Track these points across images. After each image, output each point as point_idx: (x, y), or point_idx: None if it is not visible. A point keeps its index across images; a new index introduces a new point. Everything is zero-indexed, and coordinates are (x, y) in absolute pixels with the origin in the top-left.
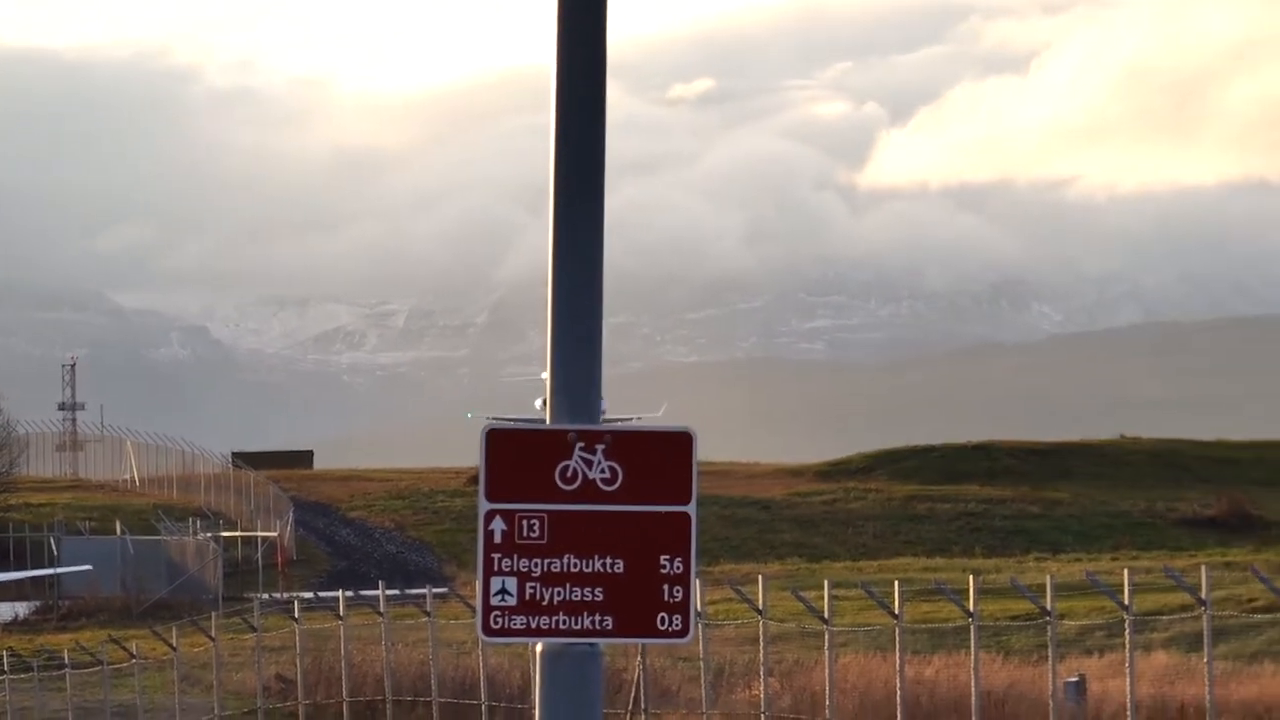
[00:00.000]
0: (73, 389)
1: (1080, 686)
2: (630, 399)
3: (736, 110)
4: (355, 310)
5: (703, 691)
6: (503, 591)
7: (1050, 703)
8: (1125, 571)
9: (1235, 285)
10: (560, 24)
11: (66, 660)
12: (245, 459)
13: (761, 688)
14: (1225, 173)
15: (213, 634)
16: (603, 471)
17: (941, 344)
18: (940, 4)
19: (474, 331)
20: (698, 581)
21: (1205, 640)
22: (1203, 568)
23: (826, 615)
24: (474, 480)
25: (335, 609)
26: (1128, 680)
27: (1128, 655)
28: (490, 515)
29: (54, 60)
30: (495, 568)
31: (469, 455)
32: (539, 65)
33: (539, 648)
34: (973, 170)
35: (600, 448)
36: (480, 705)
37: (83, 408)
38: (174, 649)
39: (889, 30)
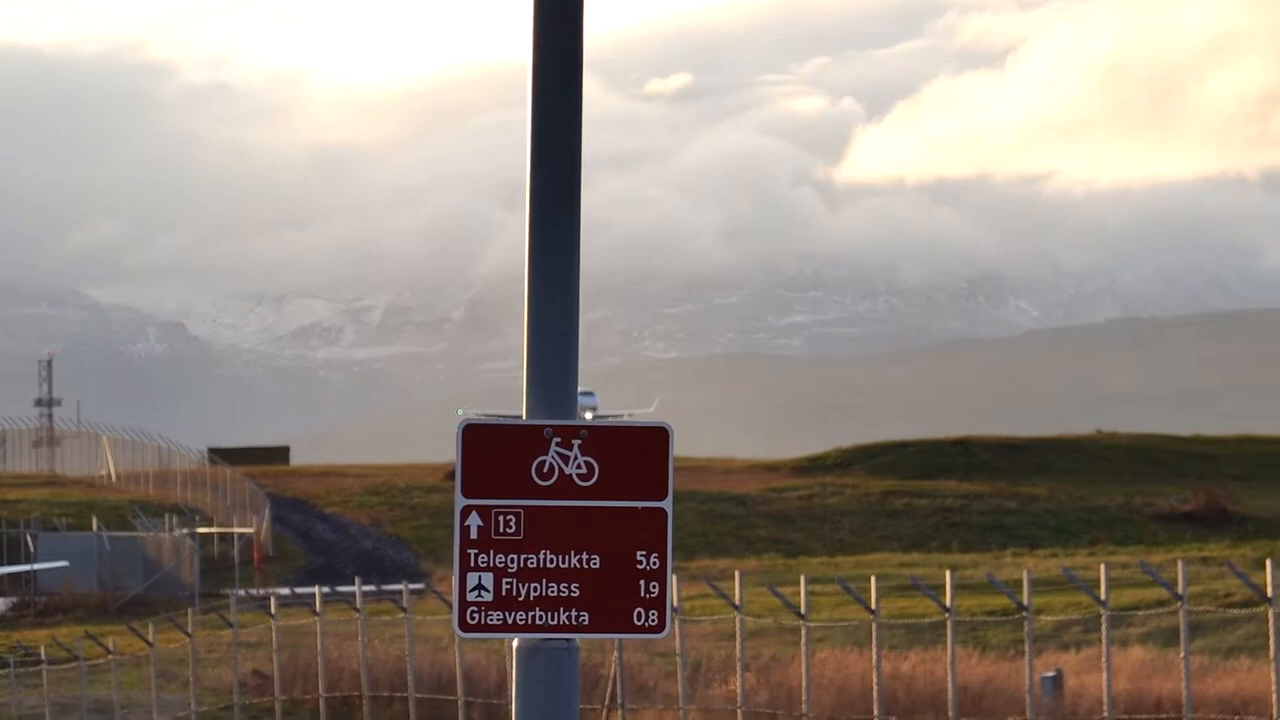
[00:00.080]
0: (49, 385)
1: (1057, 681)
2: (607, 394)
3: (713, 106)
4: (332, 306)
5: (679, 687)
6: (479, 587)
7: (1027, 698)
8: (1102, 567)
9: (1212, 280)
10: (536, 19)
11: (43, 656)
12: (222, 455)
13: (738, 683)
14: (1202, 168)
15: (189, 630)
16: (579, 467)
17: (918, 339)
18: None
19: (450, 327)
20: (674, 577)
21: (1182, 635)
22: (1179, 563)
23: (803, 610)
24: (450, 476)
25: (312, 605)
26: (1104, 675)
27: (1104, 650)
28: (466, 511)
29: (30, 56)
30: (471, 563)
31: (445, 451)
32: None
33: (515, 643)
34: (949, 165)
35: (577, 443)
36: (457, 701)
37: (59, 404)
38: (151, 645)
39: (866, 25)
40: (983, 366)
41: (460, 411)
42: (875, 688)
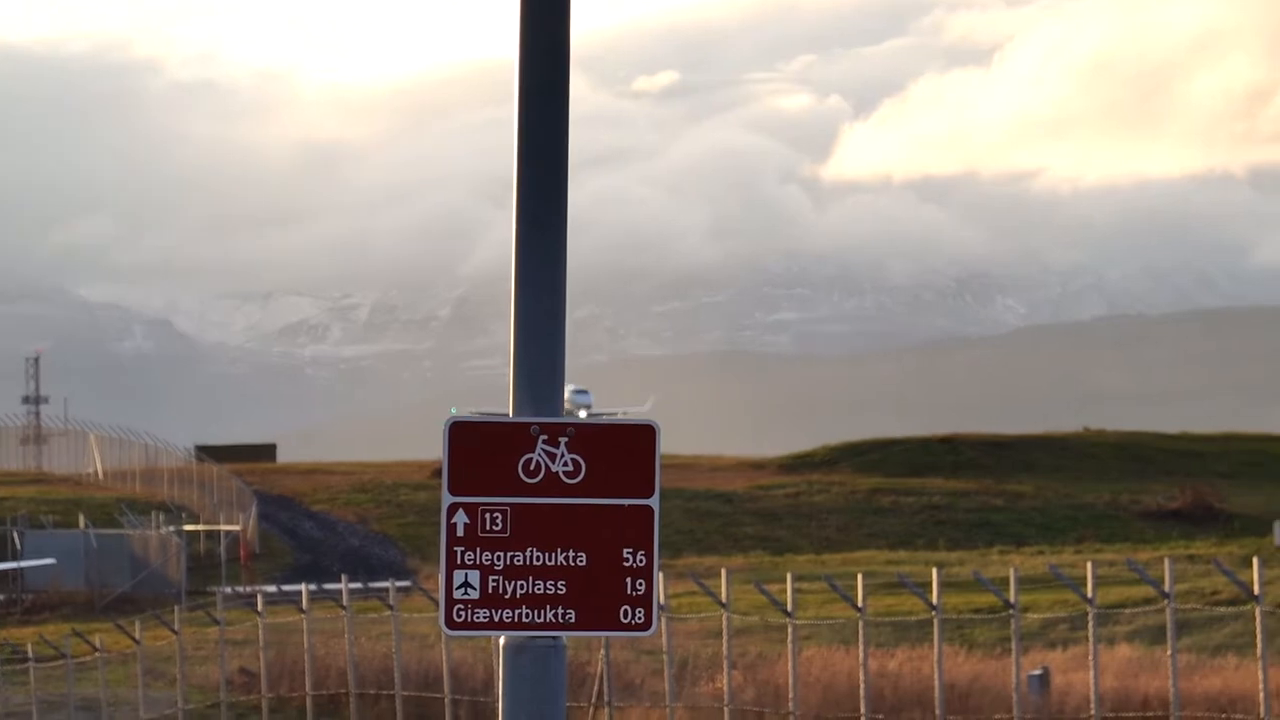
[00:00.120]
0: (36, 382)
1: (1044, 679)
2: (595, 392)
3: (700, 103)
4: (319, 303)
5: (666, 684)
6: (465, 585)
7: (1014, 695)
8: (1089, 564)
9: (1199, 278)
10: (523, 16)
11: (30, 654)
12: (208, 452)
13: (725, 681)
14: (1189, 165)
15: (176, 627)
16: (566, 464)
17: (905, 337)
18: None
19: (437, 325)
20: (661, 575)
21: (1169, 633)
22: (1166, 561)
23: (790, 608)
24: (437, 473)
25: (298, 602)
26: (1091, 673)
27: (1091, 648)
28: (453, 508)
29: (15, 54)
30: (458, 561)
31: (432, 448)
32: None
33: (502, 641)
34: (937, 163)
35: (563, 440)
36: (444, 698)
37: (46, 401)
38: (137, 642)
39: (852, 23)
40: (970, 364)
41: (454, 410)
42: (862, 685)
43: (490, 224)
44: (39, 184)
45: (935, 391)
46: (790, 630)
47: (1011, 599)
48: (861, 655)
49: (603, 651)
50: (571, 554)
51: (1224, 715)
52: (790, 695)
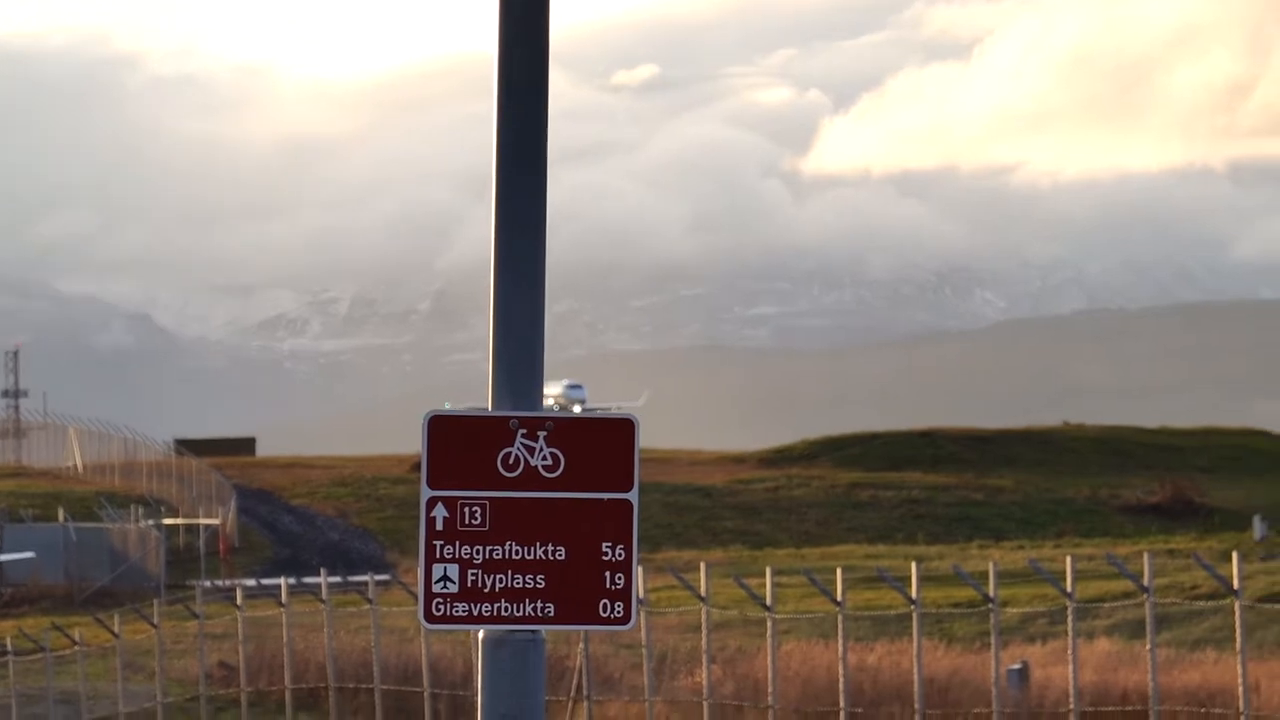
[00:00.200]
0: (15, 376)
1: (1023, 674)
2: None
3: (680, 97)
4: (298, 297)
5: (645, 679)
6: (445, 579)
7: (993, 690)
8: (1068, 559)
9: (1179, 271)
10: (502, 10)
11: (9, 647)
12: (188, 446)
13: (704, 675)
14: (1169, 159)
15: (155, 621)
16: (544, 458)
17: (885, 331)
18: None
19: (417, 319)
20: (640, 568)
21: (1148, 627)
22: (1145, 555)
23: (769, 602)
24: (416, 467)
25: (278, 596)
26: (1070, 667)
27: (1070, 642)
28: (432, 502)
29: None
30: (437, 555)
31: (412, 442)
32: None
33: (481, 635)
34: (916, 157)
35: (542, 434)
36: (423, 692)
37: (26, 395)
38: (117, 636)
39: (832, 17)
40: (950, 358)
41: (447, 405)
42: (841, 679)
43: (470, 218)
44: (18, 178)
45: (915, 385)
46: (769, 624)
47: (991, 593)
48: (841, 649)
49: (582, 645)
50: (550, 548)
51: (1203, 709)
52: (769, 689)
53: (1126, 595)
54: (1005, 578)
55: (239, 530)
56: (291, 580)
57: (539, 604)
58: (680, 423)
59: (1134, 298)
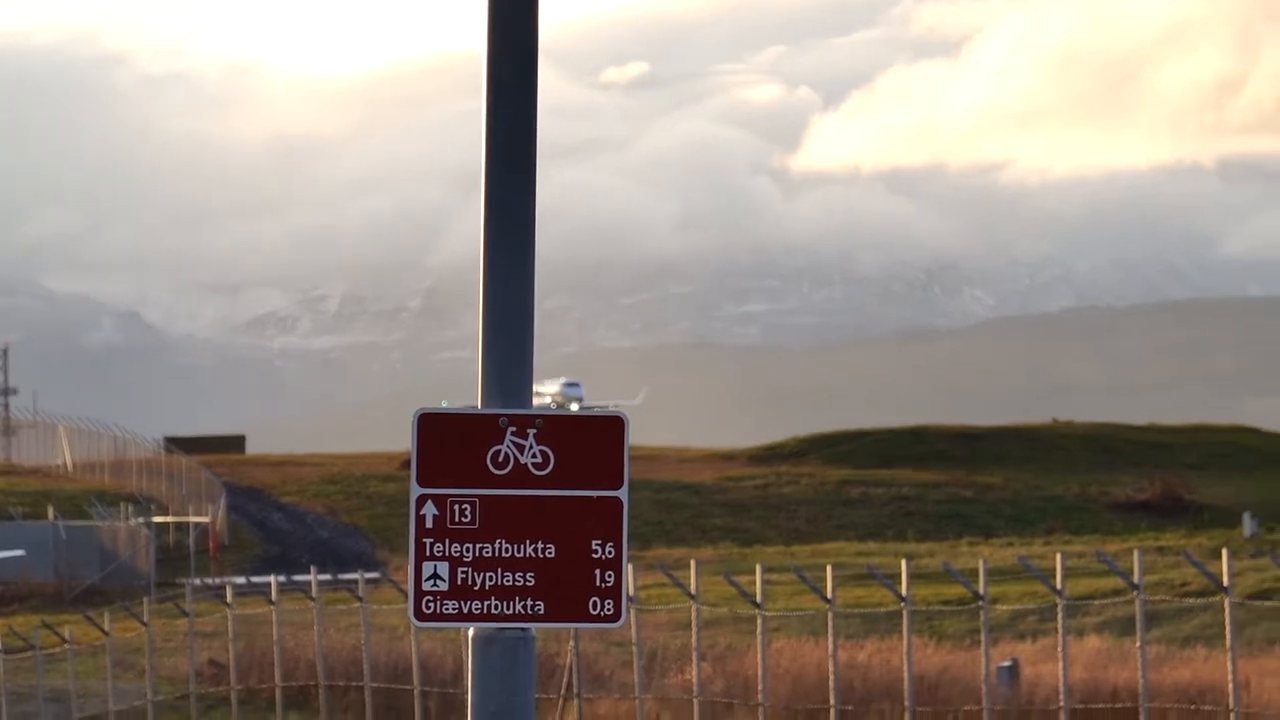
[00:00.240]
0: (5, 374)
1: (1013, 671)
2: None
3: (669, 94)
4: (288, 295)
5: (635, 676)
6: (434, 576)
7: (983, 687)
8: (1058, 556)
9: (1168, 269)
10: (491, 8)
11: None
12: (178, 444)
13: (694, 672)
14: (1158, 157)
15: (145, 619)
16: (534, 456)
17: (874, 328)
18: None
19: (407, 316)
20: (630, 566)
21: (1138, 624)
22: (1135, 552)
23: (759, 600)
24: (406, 465)
25: (268, 594)
26: (1060, 664)
27: (1060, 639)
28: (422, 500)
29: None
30: (427, 553)
31: (402, 440)
32: (472, 50)
33: (471, 633)
34: (905, 155)
35: (532, 432)
36: (413, 690)
37: (15, 393)
38: (107, 634)
39: (821, 14)
40: (939, 356)
41: (444, 403)
42: (831, 677)
43: (460, 216)
44: (8, 176)
45: (904, 383)
46: (759, 622)
47: (981, 590)
48: (831, 647)
49: (572, 643)
50: (540, 546)
51: (1193, 706)
52: (759, 687)
53: (1116, 592)
54: (995, 575)
55: (229, 528)
56: (281, 578)
57: (529, 602)
58: (670, 420)
59: (1123, 295)
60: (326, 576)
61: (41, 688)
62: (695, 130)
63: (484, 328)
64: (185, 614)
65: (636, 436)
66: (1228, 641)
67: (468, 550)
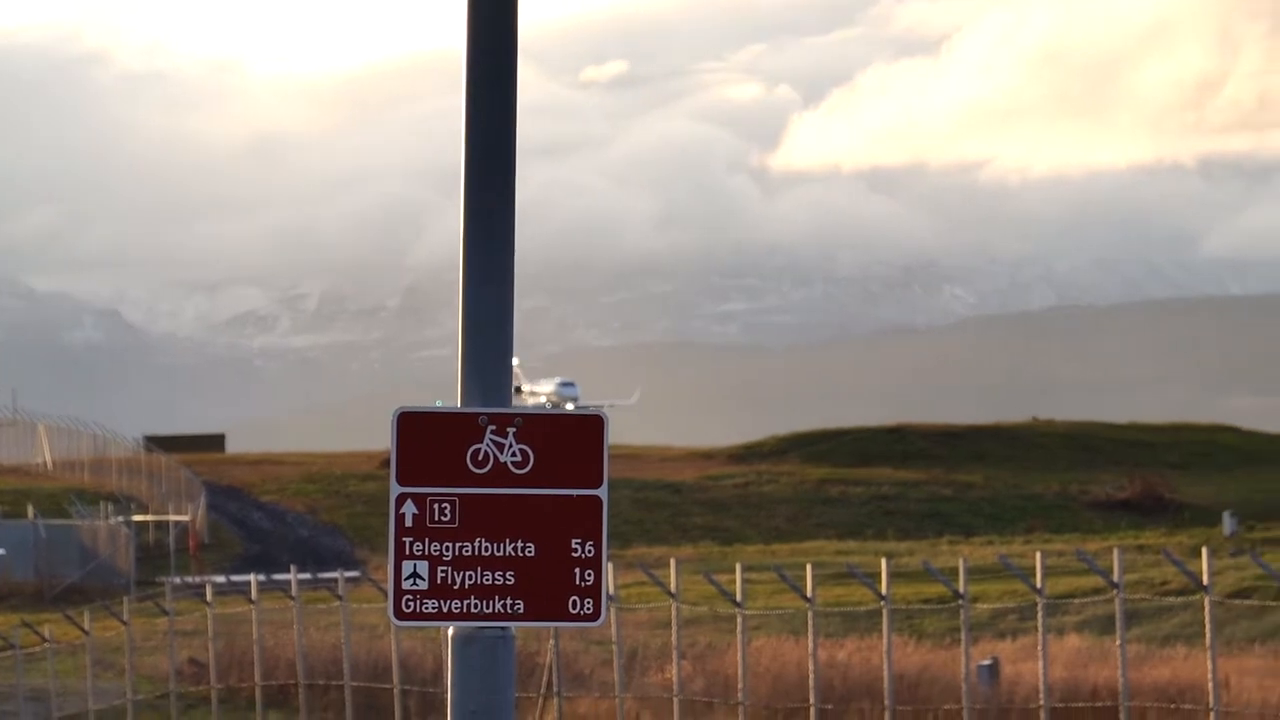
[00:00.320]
0: None
1: (993, 669)
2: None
3: (649, 93)
4: (267, 294)
5: (616, 675)
6: (414, 575)
7: (963, 686)
8: (1038, 555)
9: (1148, 268)
10: (471, 6)
11: None
12: (157, 442)
13: (674, 671)
14: (1138, 155)
15: (125, 618)
16: (514, 455)
17: (854, 327)
18: None
19: (386, 315)
20: (610, 565)
21: (1118, 623)
22: (1115, 551)
23: (739, 598)
24: (386, 463)
25: (247, 593)
26: (1040, 663)
27: (1040, 638)
28: (401, 499)
29: None
30: (407, 551)
31: (381, 438)
32: (452, 49)
33: (450, 631)
34: (885, 153)
35: (511, 431)
36: (393, 689)
37: None
38: (86, 633)
39: (801, 12)
40: (918, 354)
41: (439, 403)
42: (811, 676)
43: (439, 214)
44: None
45: (884, 381)
46: (739, 620)
47: (961, 589)
48: (811, 645)
49: (552, 642)
50: (520, 544)
51: (1173, 705)
52: (739, 685)
53: (1096, 591)
54: (975, 574)
55: (209, 527)
56: (261, 577)
57: (508, 600)
58: (650, 419)
59: (1103, 294)
60: (306, 575)
61: (21, 687)
62: (675, 129)
63: (463, 327)
64: (165, 613)
65: (616, 435)
66: (1207, 640)
67: (447, 549)
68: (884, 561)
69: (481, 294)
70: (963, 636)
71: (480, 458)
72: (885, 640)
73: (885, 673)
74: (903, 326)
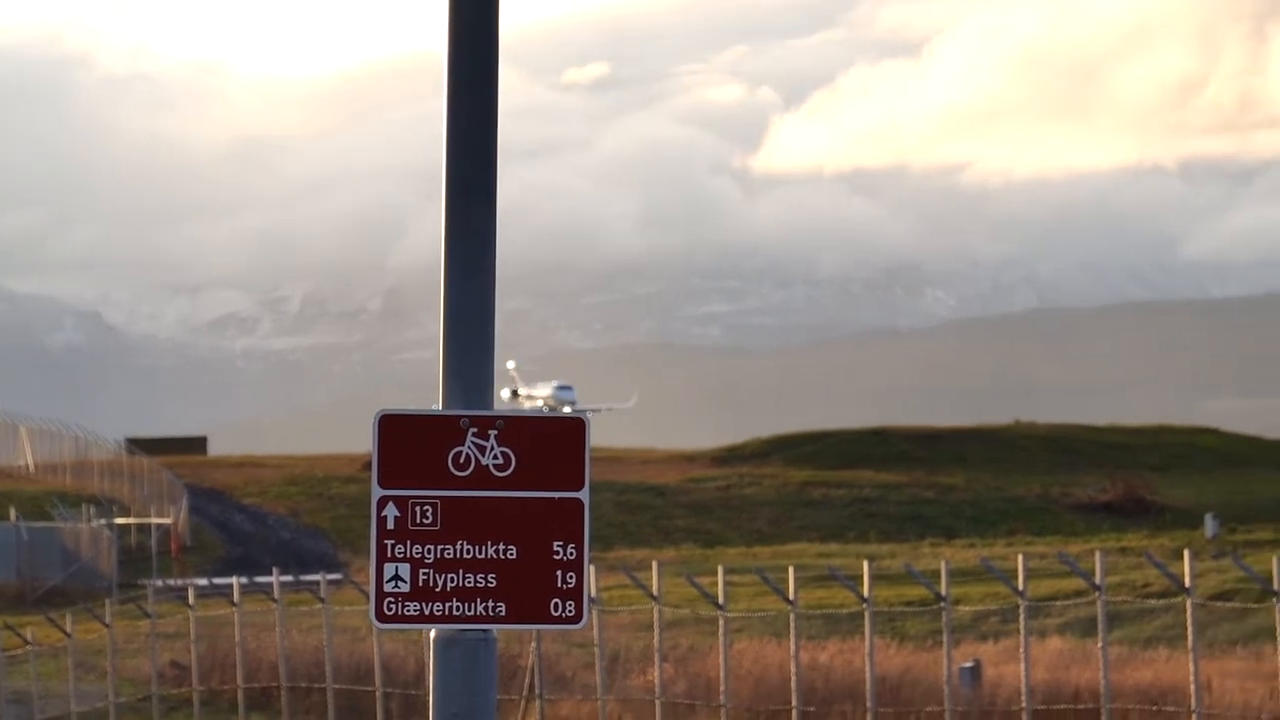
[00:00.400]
0: None
1: (975, 672)
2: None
3: (631, 95)
4: (249, 296)
5: (598, 677)
6: (396, 578)
7: (945, 688)
8: (1020, 557)
9: (1130, 271)
10: (452, 8)
11: None
12: (139, 445)
13: (656, 673)
14: (1120, 158)
15: (107, 620)
16: (495, 457)
17: (836, 330)
18: None
19: (368, 317)
20: (591, 567)
21: (1100, 625)
22: (1097, 553)
23: (721, 601)
24: (368, 466)
25: (230, 595)
26: (1022, 665)
27: (1022, 640)
28: (383, 501)
29: None
30: (388, 554)
31: (363, 441)
32: (434, 51)
33: (432, 634)
34: (867, 155)
35: (493, 433)
36: (375, 691)
37: None
38: (69, 635)
39: (783, 14)
40: (900, 357)
41: (436, 407)
42: (793, 678)
43: (421, 217)
44: None
45: (866, 384)
46: (722, 623)
47: (943, 592)
48: (793, 648)
49: (534, 644)
50: (502, 547)
51: (1155, 707)
52: (722, 688)
53: (1078, 593)
54: (957, 576)
55: (191, 529)
56: (243, 579)
57: (490, 603)
58: (632, 421)
59: (1085, 297)
60: (288, 578)
61: (3, 689)
62: (656, 131)
63: (445, 329)
64: (147, 615)
65: (598, 437)
66: (1189, 642)
67: (429, 552)
68: (866, 564)
69: (463, 296)
70: (944, 639)
71: (462, 460)
72: (867, 642)
73: (867, 675)
74: (884, 329)
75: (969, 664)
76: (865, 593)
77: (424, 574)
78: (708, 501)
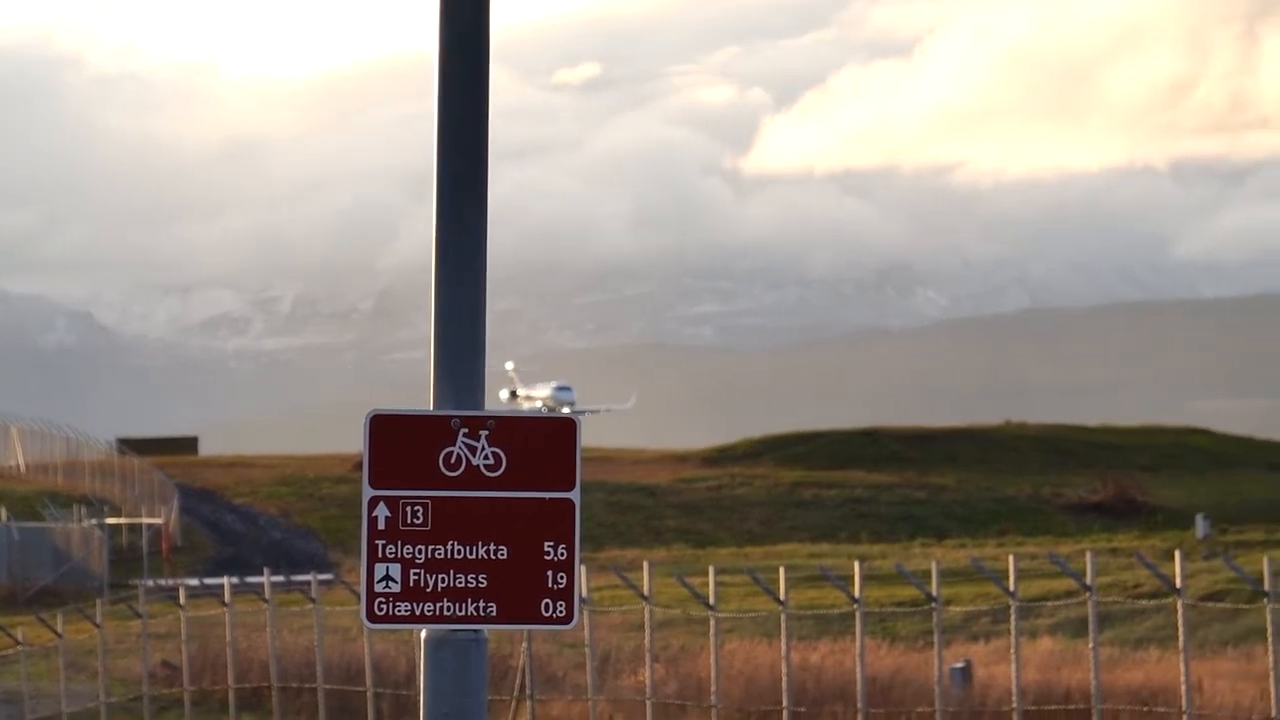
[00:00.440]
0: None
1: (966, 672)
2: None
3: (622, 95)
4: (240, 296)
5: (589, 678)
6: (387, 578)
7: (936, 689)
8: (1011, 558)
9: (1121, 271)
10: (443, 8)
11: None
12: (130, 445)
13: (647, 674)
14: (1111, 158)
15: (98, 621)
16: (486, 458)
17: (827, 330)
18: None
19: (359, 318)
20: (583, 568)
21: (1091, 626)
22: (1088, 554)
23: (712, 601)
24: (359, 466)
25: (221, 596)
26: (1013, 666)
27: (1013, 641)
28: (374, 501)
29: None
30: (379, 554)
31: (354, 441)
32: (425, 52)
33: (423, 634)
34: (858, 156)
35: (484, 434)
36: (366, 692)
37: None
38: (60, 636)
39: (774, 15)
40: (892, 357)
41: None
42: (784, 678)
43: (412, 217)
44: None
45: (857, 384)
46: (713, 623)
47: (934, 592)
48: (784, 648)
49: (525, 644)
50: (493, 547)
51: (1146, 708)
52: (712, 688)
53: (1069, 594)
54: (948, 577)
55: (182, 530)
56: (234, 579)
57: (481, 603)
58: (623, 422)
59: (1077, 297)
60: (279, 578)
61: None
62: (648, 131)
63: (436, 329)
64: (138, 615)
65: (590, 438)
66: (1180, 643)
67: (420, 552)
68: (857, 564)
69: (454, 296)
70: (935, 639)
71: (453, 460)
72: (858, 643)
73: (858, 675)
74: (876, 329)
75: (960, 664)
76: (856, 593)
77: (415, 574)
78: (699, 502)
